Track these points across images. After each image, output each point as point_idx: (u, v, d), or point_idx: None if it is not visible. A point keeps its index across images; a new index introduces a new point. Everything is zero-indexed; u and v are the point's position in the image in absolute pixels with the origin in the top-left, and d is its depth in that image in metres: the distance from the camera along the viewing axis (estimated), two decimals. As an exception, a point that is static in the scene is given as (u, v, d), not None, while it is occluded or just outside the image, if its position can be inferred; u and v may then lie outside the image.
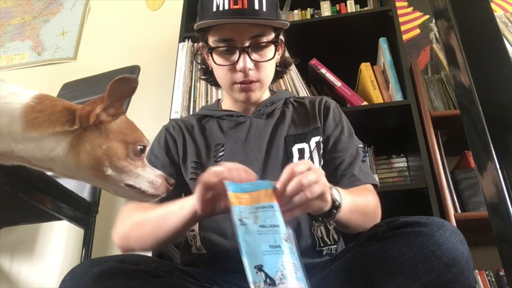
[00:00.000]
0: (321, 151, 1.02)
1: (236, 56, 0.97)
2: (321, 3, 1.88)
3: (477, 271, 1.40)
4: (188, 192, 1.02)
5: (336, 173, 1.00)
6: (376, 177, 1.46)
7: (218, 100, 1.19)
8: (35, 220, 1.69)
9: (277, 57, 1.07)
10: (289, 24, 1.00)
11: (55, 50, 2.44)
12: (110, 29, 2.43)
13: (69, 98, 2.02)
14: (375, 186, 1.00)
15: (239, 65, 0.96)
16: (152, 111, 2.10)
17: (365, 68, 1.64)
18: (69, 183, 1.43)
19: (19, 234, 1.98)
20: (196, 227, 0.97)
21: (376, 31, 1.68)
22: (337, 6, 1.89)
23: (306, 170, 0.69)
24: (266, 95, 1.12)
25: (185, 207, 0.77)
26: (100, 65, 2.02)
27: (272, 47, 1.00)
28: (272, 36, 0.99)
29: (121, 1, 2.48)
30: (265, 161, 0.99)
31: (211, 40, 0.99)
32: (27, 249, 1.96)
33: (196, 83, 1.66)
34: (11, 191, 1.14)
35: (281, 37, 1.07)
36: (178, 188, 1.02)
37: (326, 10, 1.86)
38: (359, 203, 0.84)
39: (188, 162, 1.03)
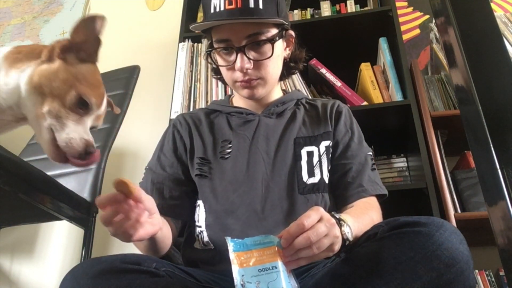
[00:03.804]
0: (330, 156, 1.02)
1: (234, 56, 0.97)
2: (321, 3, 1.88)
3: (477, 271, 1.40)
4: (198, 185, 1.02)
5: (343, 180, 0.99)
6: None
7: (229, 96, 1.18)
8: (35, 220, 1.69)
9: (287, 52, 1.07)
10: (280, 20, 0.97)
11: (55, 50, 2.44)
12: (110, 29, 2.42)
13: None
14: (383, 195, 0.99)
15: (236, 65, 0.96)
16: (152, 111, 2.10)
17: (365, 68, 1.64)
18: (69, 183, 1.43)
19: (19, 234, 1.98)
20: (203, 223, 0.96)
21: (376, 31, 1.68)
22: (337, 6, 1.89)
23: (317, 221, 0.69)
24: (277, 94, 1.11)
25: None
26: (100, 65, 2.01)
27: (271, 45, 0.97)
28: (272, 33, 0.97)
29: (121, 1, 2.48)
30: (273, 162, 0.98)
31: (213, 41, 1.01)
32: (27, 249, 1.96)
33: (196, 83, 1.66)
34: (11, 191, 1.14)
35: (291, 32, 1.06)
36: (187, 188, 1.03)
37: (326, 10, 1.86)
38: (366, 227, 0.81)
39: (194, 158, 1.03)
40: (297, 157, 0.99)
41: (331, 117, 1.06)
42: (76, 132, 0.67)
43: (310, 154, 1.00)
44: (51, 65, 0.67)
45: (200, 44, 1.76)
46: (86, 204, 1.43)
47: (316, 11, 1.92)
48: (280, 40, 1.01)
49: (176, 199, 1.01)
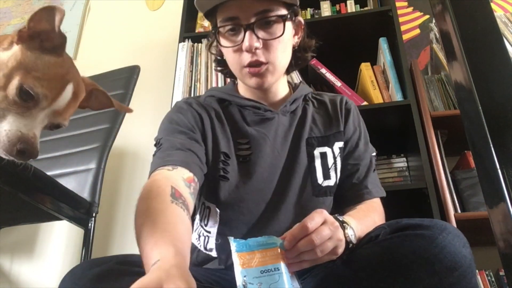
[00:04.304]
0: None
1: (241, 36, 0.89)
2: (321, 3, 1.88)
3: (477, 271, 1.40)
4: (208, 185, 0.92)
5: (348, 181, 0.97)
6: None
7: (234, 82, 1.07)
8: (35, 220, 1.69)
9: (296, 40, 0.99)
10: None
11: (55, 50, 2.43)
12: (110, 29, 2.43)
13: (69, 98, 2.00)
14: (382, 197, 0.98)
15: (244, 44, 0.87)
16: (152, 111, 2.10)
17: (365, 68, 1.64)
18: (69, 183, 1.43)
19: (19, 234, 1.98)
20: (214, 229, 0.92)
21: (376, 31, 1.68)
22: (337, 6, 1.89)
23: (320, 224, 0.68)
24: (284, 87, 1.03)
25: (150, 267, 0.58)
26: (100, 65, 2.01)
27: (281, 24, 0.90)
28: (282, 12, 0.90)
29: (121, 1, 2.48)
30: (288, 164, 0.94)
31: (218, 22, 0.92)
32: (27, 249, 1.96)
33: (196, 83, 1.66)
34: (11, 191, 1.14)
35: (300, 19, 0.99)
36: (201, 165, 0.88)
37: (326, 10, 1.86)
38: (368, 229, 0.80)
39: (218, 151, 0.92)
40: (310, 159, 0.95)
41: (341, 115, 1.02)
42: (13, 125, 0.60)
43: (323, 155, 0.96)
44: (6, 52, 0.63)
45: (200, 44, 1.75)
46: (86, 204, 1.43)
47: (316, 11, 1.92)
48: (290, 23, 0.94)
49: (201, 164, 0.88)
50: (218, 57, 1.04)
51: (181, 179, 0.79)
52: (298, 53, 1.01)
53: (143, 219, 0.67)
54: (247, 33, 0.87)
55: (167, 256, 0.58)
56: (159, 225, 0.65)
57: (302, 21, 1.00)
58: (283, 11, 0.91)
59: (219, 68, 1.08)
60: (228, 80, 1.19)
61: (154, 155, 0.89)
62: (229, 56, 0.94)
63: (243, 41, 0.88)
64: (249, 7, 0.88)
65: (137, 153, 2.04)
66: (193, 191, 0.81)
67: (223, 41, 0.93)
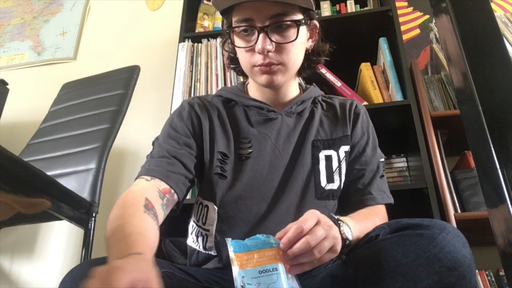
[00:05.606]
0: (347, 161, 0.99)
1: (255, 37, 0.89)
2: (321, 3, 1.88)
3: (477, 271, 1.40)
4: (205, 185, 0.94)
5: (353, 186, 0.97)
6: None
7: (244, 83, 1.08)
8: (35, 220, 1.69)
9: (310, 43, 1.00)
10: (313, 3, 0.91)
11: (55, 50, 2.44)
12: (110, 29, 2.43)
13: (69, 98, 2.01)
14: (389, 203, 0.98)
15: (257, 46, 0.88)
16: (152, 111, 2.10)
17: (365, 68, 1.64)
18: (69, 183, 1.43)
19: (19, 234, 1.98)
20: (212, 227, 0.92)
21: (376, 31, 1.68)
22: (337, 6, 1.89)
23: (314, 225, 0.68)
24: (295, 89, 1.04)
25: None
26: (100, 65, 2.02)
27: (295, 29, 0.90)
28: (297, 16, 0.90)
29: (121, 1, 2.48)
30: (291, 165, 0.94)
31: (233, 21, 0.93)
32: (27, 249, 1.96)
33: (196, 83, 1.66)
34: (11, 191, 1.14)
35: (316, 22, 1.00)
36: (186, 172, 0.91)
37: (326, 10, 1.86)
38: (368, 230, 0.80)
39: (214, 151, 0.95)
40: (315, 161, 0.95)
41: (350, 119, 1.02)
42: None
43: (328, 158, 0.96)
44: None
45: (200, 44, 1.75)
46: (86, 204, 1.43)
47: (316, 11, 1.91)
48: (304, 27, 0.94)
49: (185, 177, 0.91)
50: (231, 55, 1.06)
51: (157, 190, 0.84)
52: (311, 56, 1.02)
53: (118, 222, 0.71)
54: (261, 36, 0.88)
55: (150, 255, 0.63)
56: (134, 228, 0.69)
57: (318, 25, 1.01)
58: (298, 16, 0.91)
59: (232, 66, 1.09)
60: (230, 76, 1.18)
61: (147, 156, 0.95)
62: (242, 55, 0.95)
63: (256, 42, 0.89)
64: (265, 9, 0.88)
65: (137, 153, 2.04)
66: (166, 203, 0.85)
67: (237, 41, 0.94)
